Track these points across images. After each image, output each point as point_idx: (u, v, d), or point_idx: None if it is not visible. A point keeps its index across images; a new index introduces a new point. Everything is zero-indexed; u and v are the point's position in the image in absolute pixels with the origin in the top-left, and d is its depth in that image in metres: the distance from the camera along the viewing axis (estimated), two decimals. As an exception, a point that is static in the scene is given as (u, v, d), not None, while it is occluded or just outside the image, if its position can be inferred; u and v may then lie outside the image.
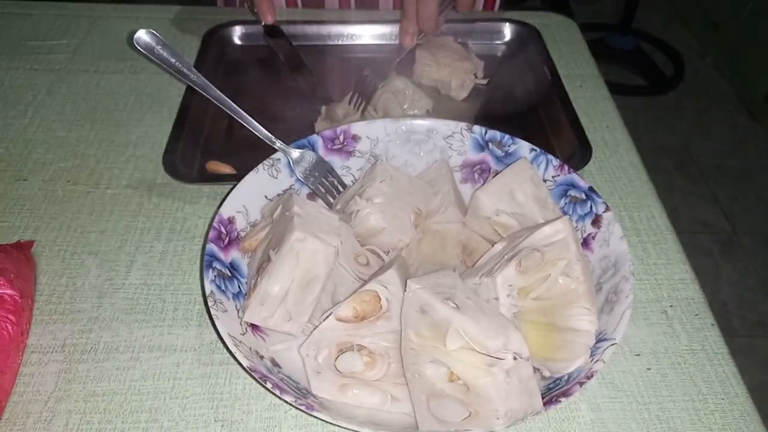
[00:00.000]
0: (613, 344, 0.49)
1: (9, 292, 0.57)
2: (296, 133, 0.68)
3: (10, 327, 0.55)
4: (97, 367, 0.58)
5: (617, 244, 0.57)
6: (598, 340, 0.51)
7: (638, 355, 0.60)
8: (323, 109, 0.84)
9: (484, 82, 0.91)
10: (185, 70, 0.64)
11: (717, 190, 2.25)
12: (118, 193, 0.75)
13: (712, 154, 2.41)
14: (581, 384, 0.47)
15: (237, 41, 0.97)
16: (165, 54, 0.63)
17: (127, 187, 0.75)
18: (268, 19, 0.90)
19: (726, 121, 2.59)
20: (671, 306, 0.64)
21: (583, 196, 0.62)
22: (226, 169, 0.76)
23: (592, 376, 0.48)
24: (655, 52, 2.91)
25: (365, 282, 0.53)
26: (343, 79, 0.91)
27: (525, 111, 0.88)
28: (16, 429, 0.53)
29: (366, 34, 0.98)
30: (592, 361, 0.49)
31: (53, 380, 0.57)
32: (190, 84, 0.65)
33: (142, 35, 0.62)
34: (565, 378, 0.50)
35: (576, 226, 0.61)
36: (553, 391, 0.48)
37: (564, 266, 0.50)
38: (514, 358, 0.44)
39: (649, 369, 0.59)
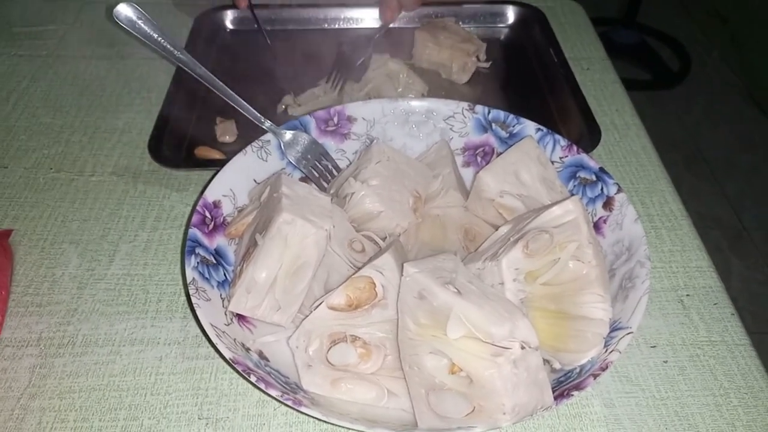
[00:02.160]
0: (629, 333, 0.45)
1: (-21, 281, 0.53)
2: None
3: (-21, 318, 0.52)
4: (75, 362, 0.54)
5: (631, 227, 0.53)
6: (612, 329, 0.47)
7: (654, 346, 0.56)
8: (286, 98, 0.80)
9: (487, 65, 0.87)
10: (169, 47, 0.60)
11: (726, 185, 2.21)
12: (103, 180, 0.71)
13: (721, 148, 2.36)
14: (595, 376, 0.43)
15: (229, 25, 0.94)
16: (147, 29, 0.59)
17: (112, 174, 0.72)
18: (243, 5, 0.86)
19: (734, 115, 2.54)
20: (688, 295, 0.60)
21: (594, 178, 0.58)
22: (216, 154, 0.72)
23: (606, 367, 0.44)
24: (660, 46, 2.86)
25: (360, 268, 0.49)
26: (321, 64, 0.87)
27: (530, 95, 0.84)
28: (-16, 428, 0.49)
29: (344, 17, 0.94)
30: (606, 351, 0.45)
31: (27, 376, 0.53)
32: (176, 61, 0.61)
33: (122, 8, 0.58)
34: (577, 370, 0.46)
35: (586, 210, 0.57)
36: (564, 385, 0.44)
37: (575, 249, 0.46)
38: (522, 348, 0.40)
39: (665, 362, 0.55)
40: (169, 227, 0.66)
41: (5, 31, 0.93)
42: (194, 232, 0.53)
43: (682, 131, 2.40)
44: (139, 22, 0.59)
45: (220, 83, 0.62)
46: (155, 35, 0.60)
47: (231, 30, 0.93)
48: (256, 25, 0.89)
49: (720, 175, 2.23)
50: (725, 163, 2.29)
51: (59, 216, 0.67)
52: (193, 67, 0.61)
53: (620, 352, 0.44)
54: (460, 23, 0.91)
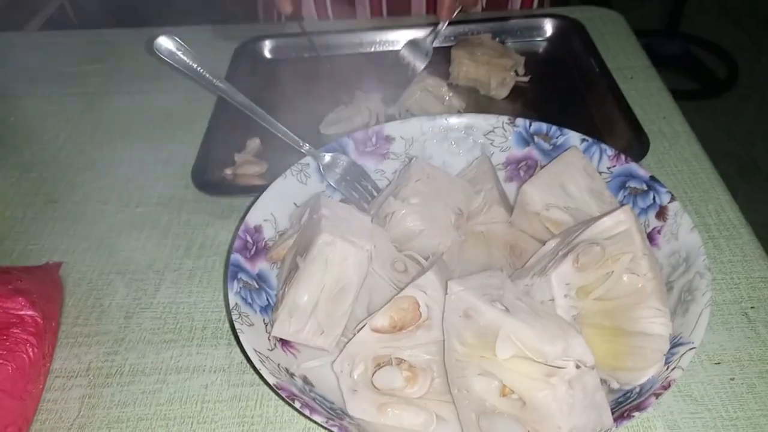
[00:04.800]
0: (691, 349, 0.43)
1: (30, 313, 0.54)
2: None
3: (30, 350, 0.52)
4: (122, 391, 0.54)
5: (688, 236, 0.51)
6: (673, 345, 0.44)
7: (718, 363, 0.53)
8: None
9: (526, 79, 0.85)
10: (209, 76, 0.61)
11: (783, 193, 2.11)
12: (149, 211, 0.72)
13: (774, 156, 2.26)
14: (657, 395, 0.40)
15: (267, 55, 0.95)
16: (187, 59, 0.60)
17: (157, 205, 0.73)
18: (287, 8, 0.87)
19: (787, 121, 2.44)
20: (752, 307, 0.57)
21: (645, 187, 0.56)
22: (257, 167, 0.73)
23: (669, 386, 0.41)
24: (705, 54, 2.79)
25: (402, 288, 0.48)
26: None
27: (572, 107, 0.82)
28: (36, 459, 0.50)
29: (400, 39, 0.94)
30: (667, 369, 0.42)
31: (77, 406, 0.53)
32: (216, 91, 0.62)
33: (162, 41, 0.59)
34: (637, 390, 0.43)
35: (639, 220, 0.54)
36: (624, 405, 0.42)
37: (628, 261, 0.44)
38: (577, 367, 0.37)
39: (732, 379, 0.51)
40: (213, 254, 0.66)
41: (54, 71, 0.97)
42: (236, 257, 0.52)
43: (733, 140, 2.32)
44: (179, 53, 0.60)
45: (259, 109, 0.63)
46: (195, 65, 0.61)
47: (270, 59, 0.95)
48: (311, 49, 0.91)
49: (774, 182, 2.13)
50: (780, 170, 2.19)
51: (107, 247, 0.68)
52: (232, 94, 0.62)
53: (683, 370, 0.42)
54: (497, 39, 0.90)
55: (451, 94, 0.79)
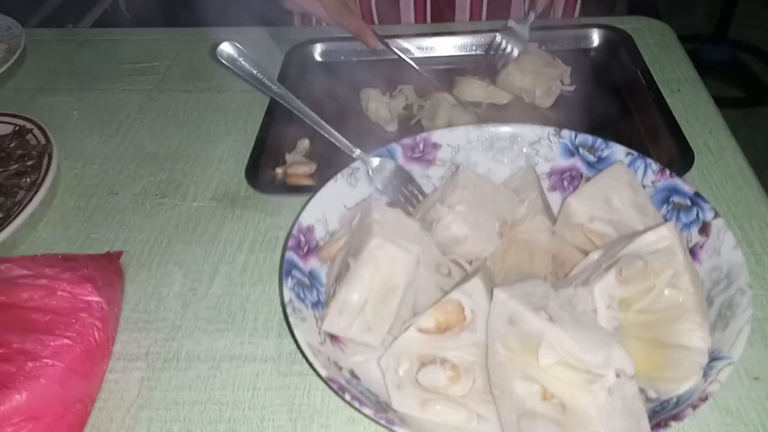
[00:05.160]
0: (730, 364, 0.44)
1: (96, 299, 0.58)
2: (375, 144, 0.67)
3: (96, 333, 0.56)
4: (179, 376, 0.58)
5: (730, 253, 0.52)
6: (712, 359, 0.45)
7: (756, 378, 0.53)
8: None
9: (571, 88, 0.86)
10: (267, 81, 0.64)
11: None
12: (204, 205, 0.76)
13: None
14: (694, 407, 0.42)
15: (318, 58, 0.98)
16: (247, 65, 0.63)
17: (212, 200, 0.76)
18: (372, 45, 0.90)
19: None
20: (794, 325, 0.57)
21: (689, 203, 0.57)
22: (306, 168, 0.76)
23: (706, 398, 0.42)
24: (754, 61, 2.73)
25: (448, 292, 0.50)
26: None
27: (617, 118, 0.83)
28: (100, 435, 0.54)
29: (444, 45, 0.96)
30: (705, 382, 0.44)
31: (136, 388, 0.57)
32: (272, 95, 0.65)
33: (225, 47, 0.63)
34: (674, 401, 0.45)
35: (682, 236, 0.56)
36: (660, 415, 0.43)
37: (670, 276, 0.46)
38: (617, 376, 0.39)
39: (770, 395, 0.52)
40: (264, 249, 0.69)
41: (115, 67, 1.01)
42: (291, 255, 0.55)
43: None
44: (240, 59, 0.63)
45: (313, 114, 0.65)
46: (254, 71, 0.64)
47: (320, 62, 0.98)
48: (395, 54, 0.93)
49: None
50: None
51: (165, 239, 0.72)
52: (289, 100, 0.65)
53: (721, 383, 0.43)
54: (543, 48, 0.91)
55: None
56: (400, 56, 0.90)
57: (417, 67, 0.89)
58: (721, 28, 2.71)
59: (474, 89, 0.85)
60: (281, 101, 0.65)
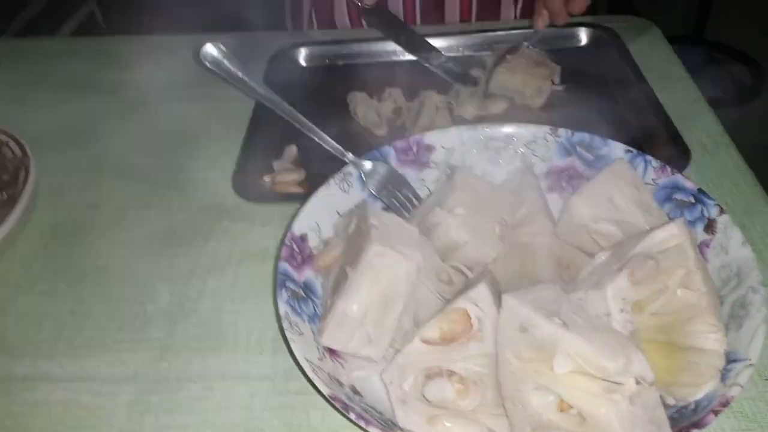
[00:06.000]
0: (749, 366, 0.42)
1: None
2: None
3: None
4: (170, 398, 0.55)
5: (739, 250, 0.50)
6: (729, 362, 0.44)
7: (769, 379, 0.52)
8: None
9: (562, 88, 0.85)
10: (252, 83, 0.62)
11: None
12: (190, 217, 0.73)
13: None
14: (716, 413, 0.40)
15: (303, 63, 0.96)
16: (232, 67, 0.61)
17: (198, 211, 0.74)
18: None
19: (818, 125, 2.40)
20: (803, 323, 0.56)
21: (692, 200, 0.56)
22: (295, 175, 0.73)
23: (728, 403, 0.40)
24: (731, 62, 2.76)
25: (451, 300, 0.48)
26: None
27: (609, 117, 0.81)
28: (88, 464, 0.50)
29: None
30: (724, 386, 0.42)
31: (124, 412, 0.54)
32: (258, 98, 0.63)
33: (208, 49, 0.60)
34: (692, 406, 0.43)
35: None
36: (680, 423, 0.41)
37: (682, 276, 0.44)
38: (637, 383, 0.37)
39: (785, 396, 0.51)
40: (255, 262, 0.66)
41: (93, 78, 0.98)
42: (284, 265, 0.53)
43: (759, 148, 2.30)
44: (225, 61, 0.61)
45: (302, 117, 0.63)
46: (239, 73, 0.62)
47: (304, 66, 0.95)
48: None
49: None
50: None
51: (149, 253, 0.69)
52: (277, 103, 0.62)
53: (741, 387, 0.41)
54: (531, 47, 0.90)
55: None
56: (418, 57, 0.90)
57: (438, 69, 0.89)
58: (698, 29, 2.74)
59: (466, 106, 0.82)
60: (268, 104, 0.63)
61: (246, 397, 0.54)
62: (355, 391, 0.48)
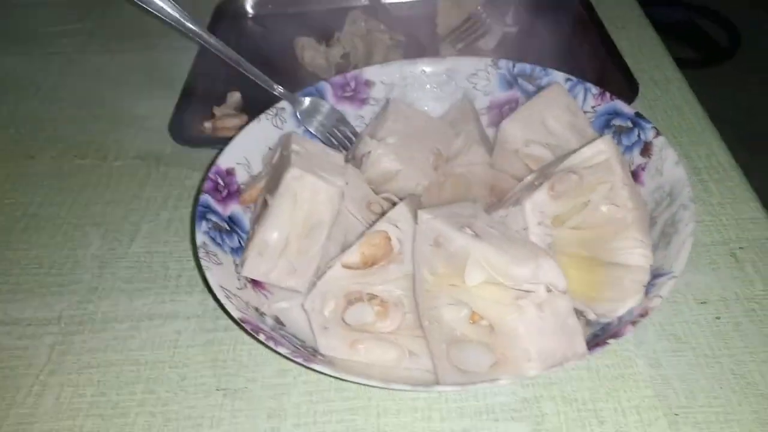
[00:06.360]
0: (672, 278, 0.41)
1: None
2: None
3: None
4: (94, 338, 0.53)
5: (672, 170, 0.49)
6: (654, 277, 0.42)
7: (704, 303, 0.51)
8: None
9: (514, 28, 0.83)
10: (181, 18, 0.59)
11: (786, 161, 2.08)
12: (126, 164, 0.71)
13: (778, 123, 2.23)
14: (634, 323, 0.39)
15: (250, 10, 0.93)
16: (165, 6, 0.58)
17: (135, 158, 0.71)
18: None
19: (791, 88, 2.40)
20: (741, 248, 0.55)
21: (630, 124, 0.54)
22: (236, 120, 0.71)
23: (647, 313, 0.39)
24: (708, 23, 2.74)
25: (374, 223, 0.46)
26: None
27: (561, 57, 0.79)
28: (4, 404, 0.49)
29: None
30: (647, 299, 0.41)
31: (46, 353, 0.52)
32: (199, 41, 0.60)
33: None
34: (615, 323, 0.42)
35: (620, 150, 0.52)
36: (600, 337, 0.40)
37: (607, 191, 0.42)
38: (548, 290, 0.36)
39: (718, 318, 0.50)
40: (190, 205, 0.65)
41: (35, 32, 0.94)
42: (205, 197, 0.51)
43: (734, 110, 2.28)
44: (165, 6, 0.58)
45: (235, 53, 0.61)
46: (167, 8, 0.59)
47: (251, 14, 0.92)
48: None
49: (779, 152, 2.10)
50: (784, 139, 2.16)
51: (83, 201, 0.67)
52: (218, 46, 0.59)
53: (662, 298, 0.40)
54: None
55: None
56: None
57: None
58: (676, -12, 2.71)
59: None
60: (209, 47, 0.60)
61: (172, 335, 0.52)
62: (279, 322, 0.47)
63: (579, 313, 0.42)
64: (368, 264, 0.44)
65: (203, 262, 0.46)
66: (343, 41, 0.83)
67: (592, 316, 0.42)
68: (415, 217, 0.44)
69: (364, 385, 0.39)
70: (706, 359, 0.47)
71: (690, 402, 0.45)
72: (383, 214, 0.53)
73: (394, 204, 0.53)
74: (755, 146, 2.10)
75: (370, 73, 0.63)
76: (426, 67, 0.63)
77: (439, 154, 0.55)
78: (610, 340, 0.38)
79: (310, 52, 0.81)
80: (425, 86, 0.63)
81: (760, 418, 0.44)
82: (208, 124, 0.73)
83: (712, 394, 0.45)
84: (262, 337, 0.40)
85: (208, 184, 0.52)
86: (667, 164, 0.50)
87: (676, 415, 0.44)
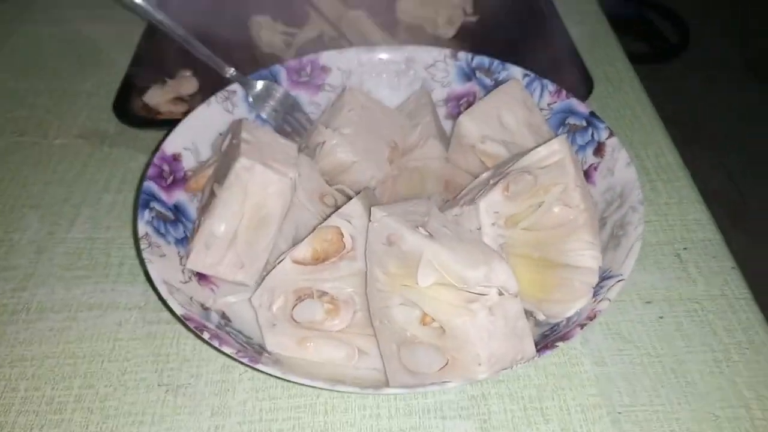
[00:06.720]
0: (620, 281, 0.41)
1: None
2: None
3: None
4: (28, 329, 0.50)
5: (623, 171, 0.49)
6: (602, 279, 0.43)
7: (649, 302, 0.52)
8: None
9: (474, 18, 0.82)
10: (142, 2, 0.56)
11: (727, 160, 2.15)
12: (68, 143, 0.67)
13: (721, 122, 2.30)
14: (582, 326, 0.39)
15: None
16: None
17: (77, 137, 0.68)
18: None
19: (734, 88, 2.48)
20: (685, 248, 0.56)
21: (584, 123, 0.54)
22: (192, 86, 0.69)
23: (595, 316, 0.40)
24: (660, 20, 2.80)
25: (326, 218, 0.45)
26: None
27: (519, 48, 0.79)
28: (-73, 399, 0.46)
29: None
30: (595, 301, 0.41)
31: (-24, 344, 0.49)
32: (149, 19, 0.57)
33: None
34: (563, 323, 0.42)
35: (574, 151, 0.53)
36: (549, 339, 0.41)
37: (560, 192, 0.42)
38: (500, 294, 0.36)
39: (661, 317, 0.51)
40: (135, 189, 0.62)
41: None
42: (149, 185, 0.49)
43: (681, 106, 2.35)
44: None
45: (179, 27, 0.58)
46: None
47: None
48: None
49: (721, 150, 2.17)
50: (726, 137, 2.24)
51: (20, 180, 0.63)
52: (152, 13, 0.57)
53: (610, 301, 0.40)
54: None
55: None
56: None
57: None
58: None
59: (366, 27, 0.78)
60: (158, 24, 0.57)
61: (112, 327, 0.50)
62: (225, 317, 0.45)
63: (528, 314, 0.43)
64: (319, 260, 0.43)
65: (145, 255, 0.44)
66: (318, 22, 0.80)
67: (541, 317, 0.43)
68: (369, 213, 0.43)
69: (310, 387, 0.38)
70: (649, 358, 0.48)
71: (632, 401, 0.46)
72: (336, 206, 0.52)
73: (347, 196, 0.52)
74: (700, 143, 2.17)
75: (326, 58, 0.61)
76: (384, 55, 0.62)
77: (394, 146, 0.54)
78: (559, 343, 0.38)
79: (267, 32, 0.79)
80: (382, 75, 0.62)
81: (698, 417, 0.45)
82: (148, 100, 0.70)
83: (654, 393, 0.46)
84: (206, 335, 0.39)
85: (152, 170, 0.50)
86: (619, 165, 0.50)
87: (619, 413, 0.45)
